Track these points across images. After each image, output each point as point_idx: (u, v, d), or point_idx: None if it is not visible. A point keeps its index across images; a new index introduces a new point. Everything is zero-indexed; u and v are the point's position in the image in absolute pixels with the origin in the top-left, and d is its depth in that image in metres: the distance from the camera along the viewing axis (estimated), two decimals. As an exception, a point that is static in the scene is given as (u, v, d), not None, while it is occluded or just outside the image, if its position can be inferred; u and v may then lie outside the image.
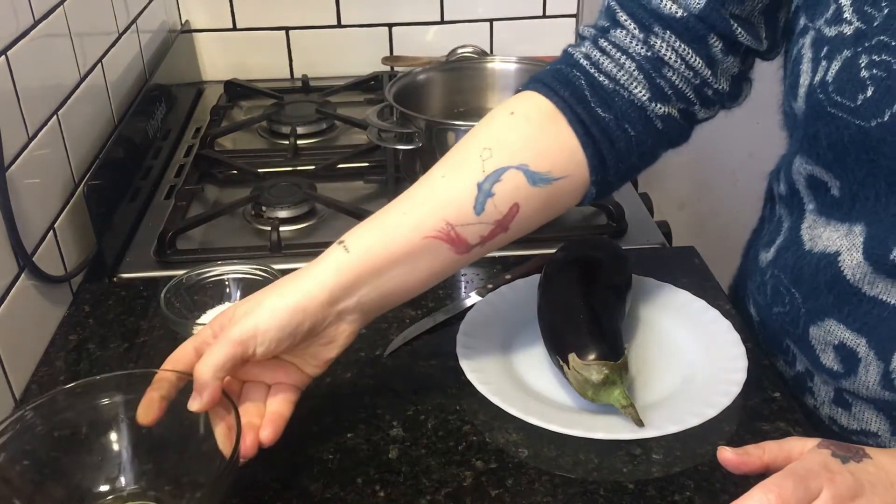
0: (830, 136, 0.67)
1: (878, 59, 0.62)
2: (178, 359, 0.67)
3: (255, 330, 0.65)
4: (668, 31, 0.71)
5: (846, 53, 0.64)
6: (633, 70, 0.72)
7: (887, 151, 0.64)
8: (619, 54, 0.72)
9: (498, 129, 0.74)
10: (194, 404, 0.64)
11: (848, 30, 0.64)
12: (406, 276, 0.70)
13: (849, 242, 0.70)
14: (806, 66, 0.68)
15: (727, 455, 0.62)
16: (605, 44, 0.73)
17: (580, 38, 0.77)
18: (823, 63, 0.66)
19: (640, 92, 0.72)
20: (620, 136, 0.73)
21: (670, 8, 0.70)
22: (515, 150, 0.71)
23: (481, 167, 0.70)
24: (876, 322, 0.70)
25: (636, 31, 0.72)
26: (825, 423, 0.80)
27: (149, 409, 0.65)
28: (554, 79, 0.74)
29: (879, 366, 0.71)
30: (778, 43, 0.76)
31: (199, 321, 0.85)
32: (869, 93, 0.63)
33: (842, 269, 0.70)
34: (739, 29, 0.71)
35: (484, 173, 0.70)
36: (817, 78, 0.67)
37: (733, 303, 0.92)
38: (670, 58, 0.71)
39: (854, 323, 0.71)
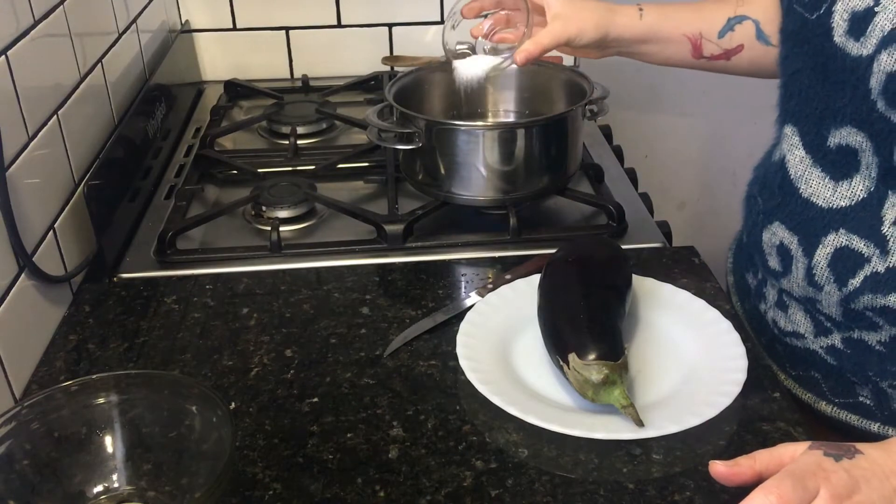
0: (787, 29, 0.83)
1: None
2: None
3: (577, 39, 0.95)
4: None
5: None
6: None
7: (815, 42, 0.77)
8: None
9: None
10: (521, 58, 0.95)
11: None
12: (652, 53, 0.99)
13: (788, 144, 0.84)
14: None
15: (718, 469, 0.63)
16: None
17: None
18: None
19: None
20: None
21: None
22: (759, 8, 0.94)
23: (734, 10, 0.95)
24: (805, 221, 0.82)
25: None
26: (769, 326, 0.92)
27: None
28: None
29: (805, 262, 0.83)
30: None
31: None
32: None
33: (788, 169, 0.84)
34: None
35: (735, 13, 0.95)
36: None
37: (736, 245, 1.01)
38: None
39: (790, 222, 0.84)
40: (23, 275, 0.84)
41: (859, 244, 0.79)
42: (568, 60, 1.57)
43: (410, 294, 0.95)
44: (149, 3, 1.35)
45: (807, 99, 0.81)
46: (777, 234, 0.86)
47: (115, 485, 0.68)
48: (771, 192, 0.87)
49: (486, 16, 1.03)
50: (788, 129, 0.84)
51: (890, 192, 0.77)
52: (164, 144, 1.28)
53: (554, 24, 0.95)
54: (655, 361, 0.82)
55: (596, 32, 0.95)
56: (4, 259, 0.81)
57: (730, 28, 0.95)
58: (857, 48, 0.73)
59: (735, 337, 0.82)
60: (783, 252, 0.86)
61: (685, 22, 0.97)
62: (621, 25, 0.96)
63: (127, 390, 0.70)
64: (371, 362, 0.84)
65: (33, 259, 0.85)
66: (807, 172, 0.82)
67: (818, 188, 0.81)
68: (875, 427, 0.85)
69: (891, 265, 0.77)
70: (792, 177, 0.84)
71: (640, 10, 0.98)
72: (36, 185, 0.88)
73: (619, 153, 1.30)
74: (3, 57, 0.83)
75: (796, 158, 0.83)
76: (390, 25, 1.55)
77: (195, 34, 1.55)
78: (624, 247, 0.91)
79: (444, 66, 1.26)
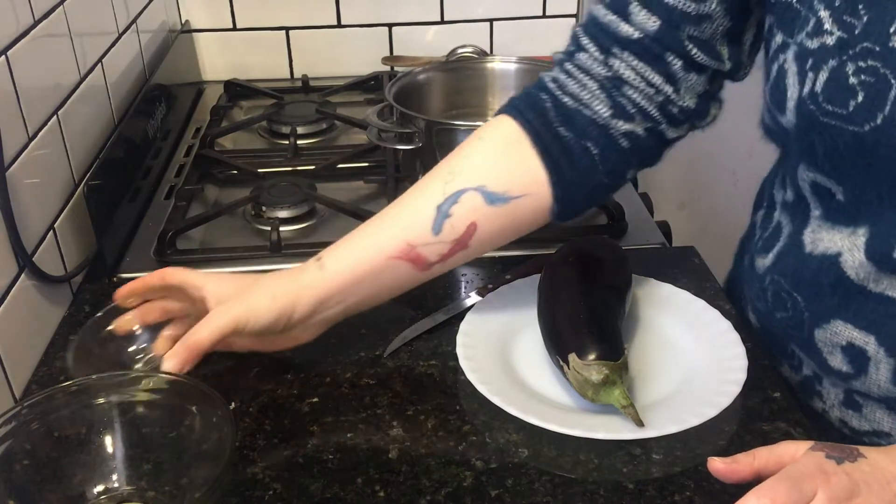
0: (825, 145, 0.68)
1: (864, 66, 0.63)
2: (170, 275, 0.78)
3: (248, 320, 0.74)
4: (625, 52, 0.75)
5: (832, 63, 0.65)
6: (595, 89, 0.76)
7: (884, 153, 0.64)
8: (582, 75, 0.77)
9: (465, 154, 0.79)
10: (175, 363, 0.71)
11: (830, 40, 0.65)
12: (370, 293, 0.79)
13: (850, 243, 0.71)
14: (792, 80, 0.69)
15: (717, 465, 0.63)
16: (571, 66, 0.78)
17: (553, 63, 0.81)
18: (810, 75, 0.66)
19: (602, 109, 0.76)
20: (581, 153, 0.77)
21: (627, 30, 0.74)
22: (476, 172, 0.77)
23: (442, 190, 0.77)
24: (884, 318, 0.70)
25: (597, 53, 0.76)
26: (835, 426, 0.80)
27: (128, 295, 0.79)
28: (523, 102, 0.79)
29: (890, 363, 0.71)
30: (744, 64, 0.79)
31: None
32: (860, 98, 0.64)
33: (844, 269, 0.71)
34: (696, 49, 0.74)
35: (444, 196, 0.76)
36: (806, 90, 0.67)
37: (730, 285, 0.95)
38: (629, 76, 0.75)
39: (861, 321, 0.72)
40: (23, 275, 0.84)
41: None
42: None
43: (410, 294, 0.95)
44: (149, 3, 1.35)
45: (886, 205, 0.68)
46: (840, 333, 0.73)
47: (115, 485, 0.68)
48: (816, 290, 0.74)
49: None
50: (849, 230, 0.71)
51: None
52: (164, 144, 1.28)
53: (213, 313, 0.73)
54: (655, 361, 0.82)
55: (273, 304, 0.74)
56: (4, 259, 0.81)
57: (445, 216, 0.75)
58: None
59: (735, 337, 0.82)
60: (854, 352, 0.73)
61: (382, 243, 0.77)
62: (305, 285, 0.76)
63: (128, 390, 0.69)
64: (371, 362, 0.84)
65: (33, 259, 0.85)
66: (873, 274, 0.69)
67: (892, 283, 0.69)
68: None
69: None
70: (852, 277, 0.71)
71: (318, 259, 0.77)
72: (36, 185, 0.88)
73: (619, 153, 1.30)
74: (3, 57, 0.83)
75: (855, 261, 0.70)
76: (390, 25, 1.55)
77: (195, 34, 1.55)
78: (624, 247, 0.91)
79: (444, 65, 1.26)
